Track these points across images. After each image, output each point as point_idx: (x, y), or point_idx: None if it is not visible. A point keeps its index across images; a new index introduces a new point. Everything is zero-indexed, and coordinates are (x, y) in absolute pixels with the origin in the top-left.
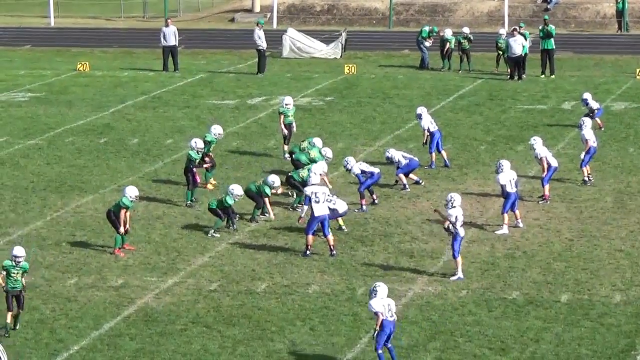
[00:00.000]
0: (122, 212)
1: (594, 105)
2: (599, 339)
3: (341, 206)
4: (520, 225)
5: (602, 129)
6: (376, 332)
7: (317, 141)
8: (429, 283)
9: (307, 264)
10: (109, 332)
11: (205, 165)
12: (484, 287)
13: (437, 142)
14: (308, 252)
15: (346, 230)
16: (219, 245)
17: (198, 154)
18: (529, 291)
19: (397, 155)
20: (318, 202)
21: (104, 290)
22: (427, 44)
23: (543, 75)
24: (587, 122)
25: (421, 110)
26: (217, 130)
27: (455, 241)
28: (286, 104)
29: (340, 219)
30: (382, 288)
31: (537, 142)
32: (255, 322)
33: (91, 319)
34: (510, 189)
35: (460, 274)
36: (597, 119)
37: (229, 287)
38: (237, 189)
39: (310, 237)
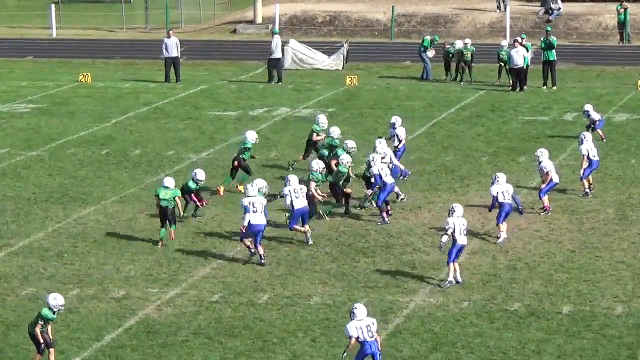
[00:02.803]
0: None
1: (595, 116)
2: (601, 351)
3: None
4: (503, 236)
5: (604, 140)
6: (345, 353)
7: (335, 130)
8: (430, 294)
9: (308, 276)
10: (111, 344)
11: (200, 202)
12: (485, 299)
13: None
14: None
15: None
16: (221, 257)
17: (197, 185)
18: (530, 302)
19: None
20: (298, 197)
21: (106, 302)
22: (430, 54)
23: (545, 87)
24: (588, 136)
25: (395, 119)
26: (252, 135)
27: (453, 247)
28: (322, 123)
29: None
30: (360, 310)
31: (543, 154)
32: (257, 333)
33: (92, 330)
34: (503, 199)
35: (451, 278)
36: (598, 130)
37: (230, 298)
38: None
39: (298, 227)
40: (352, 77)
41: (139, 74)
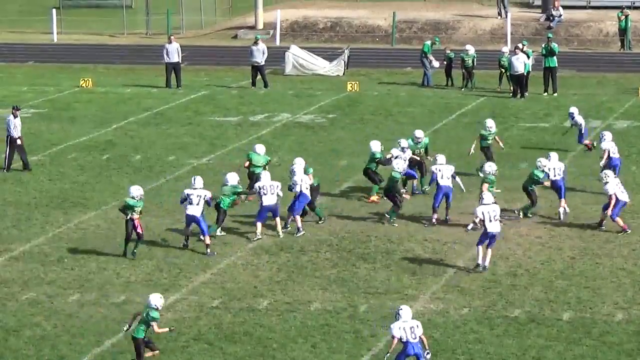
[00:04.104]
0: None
1: (580, 120)
2: (601, 358)
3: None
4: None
5: (592, 149)
6: (388, 353)
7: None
8: (430, 300)
9: (309, 282)
10: (111, 349)
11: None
12: (485, 305)
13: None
14: (256, 238)
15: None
16: (221, 262)
17: (135, 201)
18: (530, 309)
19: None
20: (266, 194)
21: (106, 307)
22: (436, 64)
23: (546, 94)
24: (607, 135)
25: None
26: (377, 146)
27: (483, 235)
28: (417, 137)
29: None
30: (405, 311)
31: (609, 176)
32: (257, 339)
33: (93, 335)
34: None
35: (479, 261)
36: (585, 142)
37: (230, 304)
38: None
39: (259, 224)
40: (353, 83)
41: (140, 79)
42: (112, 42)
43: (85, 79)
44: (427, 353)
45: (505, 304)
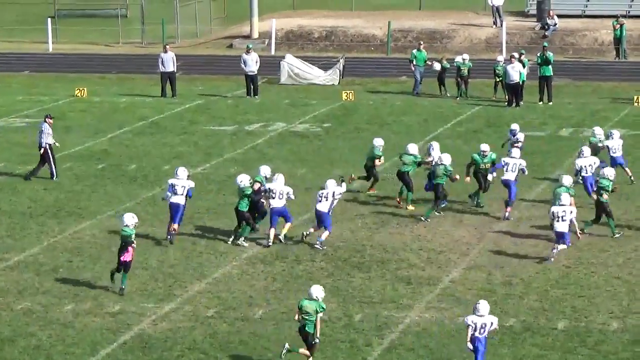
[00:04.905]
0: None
1: (521, 137)
2: None
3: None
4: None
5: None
6: (468, 343)
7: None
8: (425, 310)
9: (304, 291)
10: (106, 359)
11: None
12: None
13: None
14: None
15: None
16: (216, 272)
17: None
18: (526, 318)
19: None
20: (274, 197)
21: (101, 317)
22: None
23: (541, 102)
24: (615, 133)
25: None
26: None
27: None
28: (484, 151)
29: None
30: (482, 305)
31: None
32: (252, 348)
33: (88, 345)
34: None
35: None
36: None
37: (225, 313)
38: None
39: (272, 230)
40: (348, 92)
41: (135, 88)
42: (107, 51)
43: (81, 89)
44: (492, 338)
45: (500, 313)
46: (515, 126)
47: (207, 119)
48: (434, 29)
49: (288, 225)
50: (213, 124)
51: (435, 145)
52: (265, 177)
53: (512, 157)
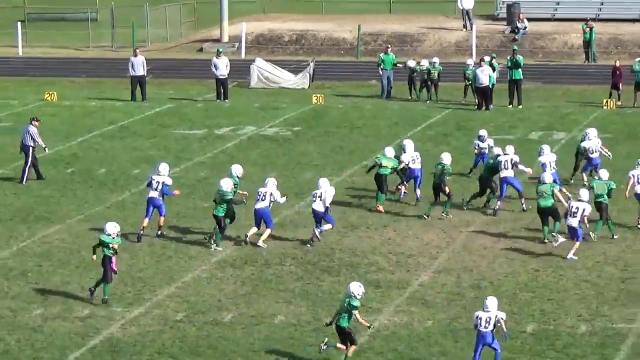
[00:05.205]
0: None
1: (490, 142)
2: None
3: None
4: None
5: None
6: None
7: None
8: (395, 313)
9: (273, 295)
10: None
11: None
12: (450, 318)
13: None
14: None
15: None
16: (185, 276)
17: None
18: None
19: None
20: (258, 199)
21: (70, 321)
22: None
23: (511, 106)
24: (592, 132)
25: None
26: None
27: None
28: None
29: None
30: (490, 301)
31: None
32: (222, 352)
33: (57, 349)
34: None
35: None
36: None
37: (195, 317)
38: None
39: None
40: (319, 95)
41: (105, 92)
42: (77, 55)
43: (50, 93)
44: (502, 335)
45: (470, 317)
46: (483, 132)
47: (177, 122)
48: (404, 32)
49: (268, 231)
50: (183, 128)
51: (409, 143)
52: (238, 176)
53: (505, 154)
